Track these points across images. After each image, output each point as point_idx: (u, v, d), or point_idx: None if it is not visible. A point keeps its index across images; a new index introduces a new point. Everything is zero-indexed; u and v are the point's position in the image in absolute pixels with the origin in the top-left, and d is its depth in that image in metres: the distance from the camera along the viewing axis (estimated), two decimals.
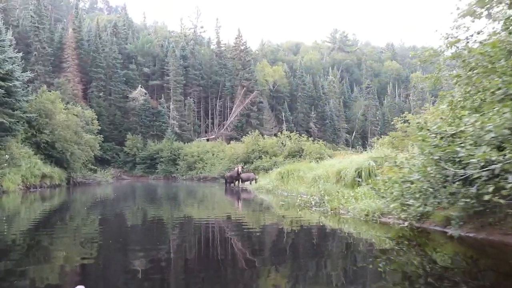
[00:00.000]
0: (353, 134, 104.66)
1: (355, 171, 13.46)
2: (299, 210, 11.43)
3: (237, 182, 30.73)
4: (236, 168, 30.95)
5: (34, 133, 30.02)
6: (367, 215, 8.61)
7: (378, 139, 35.36)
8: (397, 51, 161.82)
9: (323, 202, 11.07)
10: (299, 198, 12.85)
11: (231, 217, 11.63)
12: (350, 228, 8.50)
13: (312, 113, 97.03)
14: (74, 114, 34.34)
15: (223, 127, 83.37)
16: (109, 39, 79.18)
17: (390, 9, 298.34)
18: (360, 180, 12.21)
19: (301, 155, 43.02)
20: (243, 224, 10.01)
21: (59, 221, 11.47)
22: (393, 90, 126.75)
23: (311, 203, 11.56)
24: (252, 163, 44.37)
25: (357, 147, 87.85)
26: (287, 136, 47.31)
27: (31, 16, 64.59)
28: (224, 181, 32.84)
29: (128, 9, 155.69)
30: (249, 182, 30.30)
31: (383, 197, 7.76)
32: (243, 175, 30.28)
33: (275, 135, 59.52)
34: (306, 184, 17.30)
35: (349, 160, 15.80)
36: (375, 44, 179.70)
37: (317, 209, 11.06)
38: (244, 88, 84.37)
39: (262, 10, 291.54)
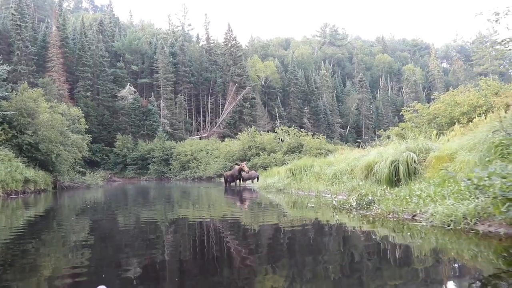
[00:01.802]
0: (347, 129, 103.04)
1: (391, 165, 11.35)
2: (335, 214, 9.23)
3: (238, 181, 28.52)
4: (238, 167, 28.48)
5: (15, 134, 27.46)
6: (454, 221, 6.33)
7: (385, 130, 33.53)
8: (388, 44, 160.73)
9: (370, 204, 8.87)
10: (334, 198, 10.58)
11: (249, 225, 9.37)
12: (433, 241, 6.10)
13: (306, 108, 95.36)
14: (59, 113, 31.89)
15: (215, 125, 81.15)
16: (95, 37, 76.52)
17: (378, 3, 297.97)
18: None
19: (301, 150, 41.17)
20: (273, 236, 7.72)
21: (45, 229, 10.18)
22: (385, 83, 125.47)
23: (351, 205, 9.34)
24: (249, 160, 42.41)
25: (351, 141, 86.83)
26: (285, 132, 45.41)
27: (12, 14, 61.75)
28: (224, 180, 30.34)
29: (114, 8, 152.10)
30: (250, 181, 28.19)
31: (494, 197, 5.57)
32: (244, 174, 28.06)
33: (269, 131, 57.59)
34: (324, 181, 15.17)
35: (376, 152, 13.69)
36: (365, 38, 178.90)
37: (361, 213, 8.85)
38: (236, 84, 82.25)
39: (249, 7, 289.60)
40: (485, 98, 25.56)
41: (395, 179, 11.42)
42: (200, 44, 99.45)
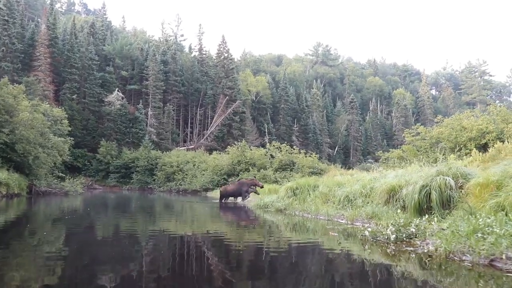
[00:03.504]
0: (336, 149, 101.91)
1: (422, 190, 9.77)
2: (366, 247, 7.54)
3: (233, 198, 26.19)
4: (245, 181, 26.04)
5: None
6: None
7: (384, 152, 32.14)
8: (379, 68, 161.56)
9: (411, 237, 7.13)
10: (365, 229, 8.78)
11: (265, 257, 7.63)
12: None
13: (295, 126, 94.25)
14: (40, 112, 29.82)
15: (203, 137, 79.22)
16: (86, 39, 74.49)
17: (371, 27, 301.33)
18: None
19: (292, 168, 39.74)
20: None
21: (16, 237, 9.45)
22: (375, 106, 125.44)
23: (387, 237, 7.60)
24: (238, 175, 40.64)
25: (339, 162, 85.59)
26: (276, 148, 43.87)
27: (0, 8, 59.47)
28: (220, 195, 27.23)
29: (107, 12, 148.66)
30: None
31: None
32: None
33: (258, 147, 55.95)
34: (333, 203, 13.52)
35: (395, 175, 12.13)
36: (357, 60, 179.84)
37: (406, 249, 7.07)
38: (227, 97, 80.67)
39: (242, 22, 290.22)
40: (494, 124, 24.43)
41: (425, 207, 9.85)
42: (193, 55, 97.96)
